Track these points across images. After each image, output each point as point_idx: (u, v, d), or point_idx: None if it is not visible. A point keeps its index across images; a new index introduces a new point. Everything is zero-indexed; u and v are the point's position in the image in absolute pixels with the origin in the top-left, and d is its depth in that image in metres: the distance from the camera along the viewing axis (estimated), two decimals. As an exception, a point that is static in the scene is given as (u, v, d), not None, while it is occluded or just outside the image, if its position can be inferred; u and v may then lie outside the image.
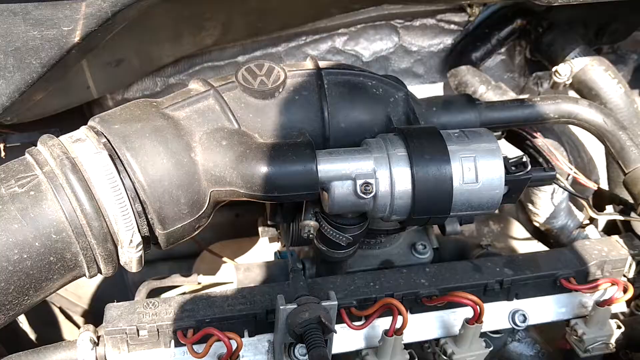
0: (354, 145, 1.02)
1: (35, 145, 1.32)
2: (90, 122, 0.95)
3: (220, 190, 0.96)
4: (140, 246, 0.89)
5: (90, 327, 1.04)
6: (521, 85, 1.61)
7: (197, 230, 0.99)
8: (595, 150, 1.73)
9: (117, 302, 1.04)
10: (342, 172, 0.94)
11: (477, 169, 0.96)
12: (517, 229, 1.67)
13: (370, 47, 1.44)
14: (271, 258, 1.47)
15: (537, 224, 1.60)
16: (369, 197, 0.94)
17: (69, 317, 1.84)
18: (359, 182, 0.94)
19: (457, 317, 1.14)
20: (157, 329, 1.01)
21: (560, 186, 1.20)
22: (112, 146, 0.90)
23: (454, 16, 1.47)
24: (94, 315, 1.84)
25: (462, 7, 1.45)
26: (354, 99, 1.04)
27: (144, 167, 0.89)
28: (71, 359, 1.02)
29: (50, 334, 1.76)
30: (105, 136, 0.91)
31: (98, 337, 1.02)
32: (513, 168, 1.01)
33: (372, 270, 1.19)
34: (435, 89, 1.55)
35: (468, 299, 1.05)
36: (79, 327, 1.87)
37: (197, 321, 1.01)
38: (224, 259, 1.46)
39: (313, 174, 0.92)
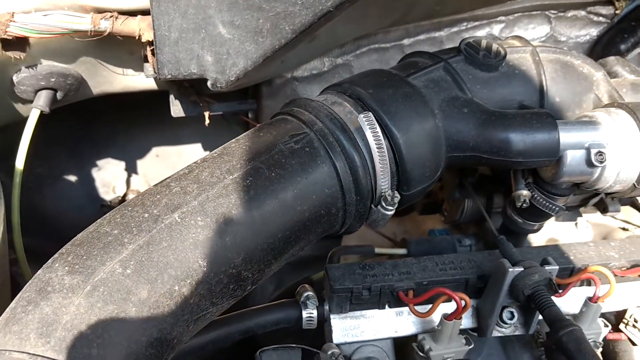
0: (566, 119, 1.08)
1: (224, 117, 1.37)
2: (336, 88, 1.00)
3: (459, 156, 1.01)
4: (397, 205, 0.94)
5: (308, 287, 1.08)
6: (650, 79, 1.67)
7: (423, 194, 1.03)
8: None
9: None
10: (577, 141, 1.00)
11: (696, 144, 1.02)
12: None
13: (523, 35, 1.50)
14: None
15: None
16: (600, 166, 0.99)
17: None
18: (593, 151, 0.99)
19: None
20: (380, 289, 1.05)
21: None
22: (369, 109, 0.95)
23: (602, 9, 1.53)
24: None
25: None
26: (566, 75, 1.10)
27: (400, 129, 0.94)
28: (292, 317, 1.06)
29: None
30: (360, 100, 0.96)
31: (318, 297, 1.07)
32: None
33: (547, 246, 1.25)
34: (576, 79, 1.60)
35: (668, 269, 1.10)
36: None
37: (416, 283, 1.06)
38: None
39: (556, 142, 0.98)
